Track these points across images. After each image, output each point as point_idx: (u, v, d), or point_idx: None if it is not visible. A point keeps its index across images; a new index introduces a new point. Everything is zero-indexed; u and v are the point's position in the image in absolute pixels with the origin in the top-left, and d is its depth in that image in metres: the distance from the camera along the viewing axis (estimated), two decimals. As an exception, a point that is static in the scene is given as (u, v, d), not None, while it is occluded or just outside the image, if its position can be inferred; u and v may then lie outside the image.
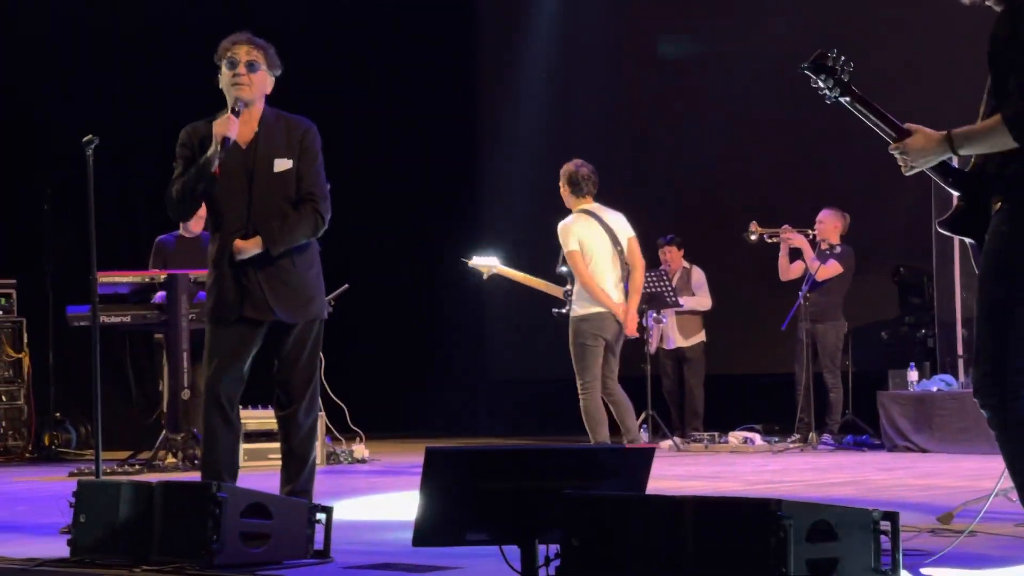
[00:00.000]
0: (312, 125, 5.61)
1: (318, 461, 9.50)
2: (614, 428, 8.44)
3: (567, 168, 8.64)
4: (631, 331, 8.53)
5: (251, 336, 5.50)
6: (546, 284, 9.00)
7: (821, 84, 4.22)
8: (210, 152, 5.37)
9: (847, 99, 4.20)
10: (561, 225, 8.61)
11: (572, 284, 8.66)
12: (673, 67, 12.98)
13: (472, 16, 14.20)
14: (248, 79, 5.45)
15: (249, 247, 5.43)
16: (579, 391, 8.44)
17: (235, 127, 5.37)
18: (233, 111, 5.39)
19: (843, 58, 4.20)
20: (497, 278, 9.35)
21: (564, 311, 8.68)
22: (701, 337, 11.48)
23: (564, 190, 8.65)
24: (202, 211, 9.74)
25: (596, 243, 8.56)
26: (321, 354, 9.82)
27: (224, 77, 5.50)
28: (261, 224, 5.43)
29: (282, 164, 5.46)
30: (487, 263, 9.27)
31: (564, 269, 8.65)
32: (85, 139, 6.10)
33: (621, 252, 8.63)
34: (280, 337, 5.53)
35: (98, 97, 12.93)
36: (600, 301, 8.43)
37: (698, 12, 12.91)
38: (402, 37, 13.76)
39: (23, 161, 12.49)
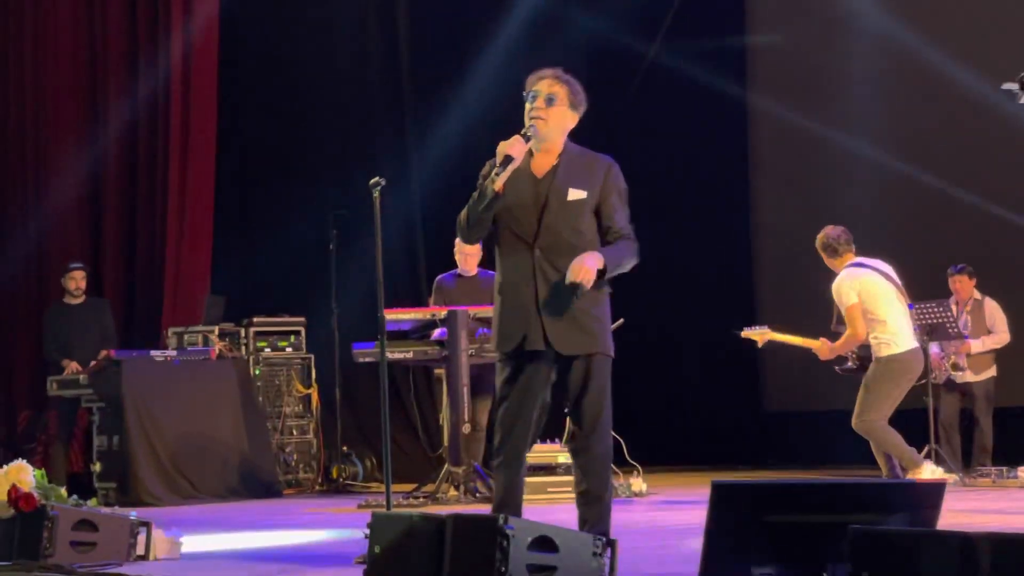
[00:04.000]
0: (614, 162, 5.56)
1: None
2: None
3: (818, 239, 9.24)
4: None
5: (537, 368, 5.44)
6: (820, 343, 9.25)
7: None
8: (493, 171, 5.38)
9: None
10: (835, 284, 9.08)
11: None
12: (951, 88, 12.59)
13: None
14: (545, 112, 5.43)
15: (586, 275, 5.29)
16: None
17: (520, 147, 5.35)
18: (523, 135, 5.40)
19: None
20: (773, 342, 9.74)
21: (848, 367, 9.09)
22: (992, 372, 11.09)
23: (824, 258, 9.22)
24: (476, 250, 10.10)
25: (876, 285, 9.01)
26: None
27: (526, 110, 5.51)
28: (546, 249, 5.40)
29: (576, 193, 5.42)
30: (759, 332, 9.69)
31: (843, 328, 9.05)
32: (372, 181, 6.26)
33: (899, 287, 9.13)
34: (564, 372, 5.46)
35: (379, 136, 13.35)
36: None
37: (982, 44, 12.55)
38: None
39: (310, 202, 12.99)
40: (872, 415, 8.87)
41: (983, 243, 12.07)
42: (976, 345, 10.96)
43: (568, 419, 5.61)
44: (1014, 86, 4.44)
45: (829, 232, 9.23)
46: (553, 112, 5.46)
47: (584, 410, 5.46)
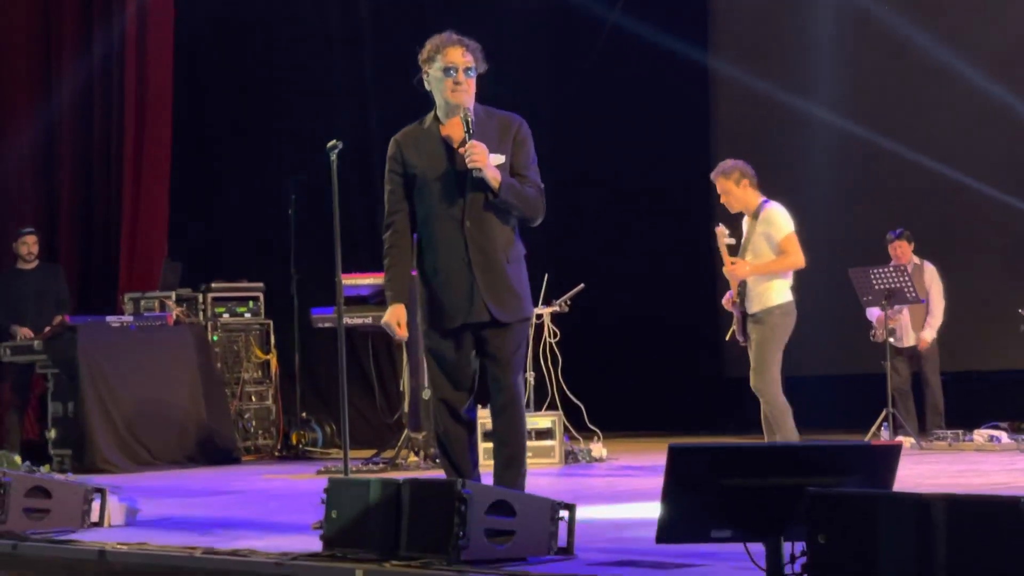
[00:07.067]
0: (523, 120, 5.51)
1: (556, 460, 9.66)
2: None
3: (738, 165, 8.16)
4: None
5: (470, 337, 5.41)
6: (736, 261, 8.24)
7: None
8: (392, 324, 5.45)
9: None
10: (777, 208, 8.11)
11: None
12: (907, 54, 12.63)
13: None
14: (467, 84, 5.40)
15: (481, 156, 5.26)
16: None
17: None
18: (468, 132, 5.31)
19: None
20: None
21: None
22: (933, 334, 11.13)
23: (745, 187, 8.13)
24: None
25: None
26: (558, 352, 10.05)
27: (437, 81, 5.44)
28: (475, 219, 5.35)
29: (496, 159, 5.34)
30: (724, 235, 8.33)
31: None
32: (329, 144, 6.22)
33: None
34: (493, 336, 5.40)
35: (339, 99, 13.24)
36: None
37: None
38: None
39: (267, 167, 12.88)
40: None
41: (927, 207, 12.14)
42: (928, 334, 10.92)
43: (489, 383, 5.47)
44: None
45: (742, 162, 8.22)
46: (472, 82, 5.44)
47: (512, 373, 5.41)
